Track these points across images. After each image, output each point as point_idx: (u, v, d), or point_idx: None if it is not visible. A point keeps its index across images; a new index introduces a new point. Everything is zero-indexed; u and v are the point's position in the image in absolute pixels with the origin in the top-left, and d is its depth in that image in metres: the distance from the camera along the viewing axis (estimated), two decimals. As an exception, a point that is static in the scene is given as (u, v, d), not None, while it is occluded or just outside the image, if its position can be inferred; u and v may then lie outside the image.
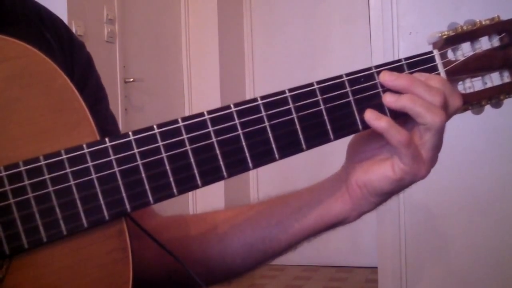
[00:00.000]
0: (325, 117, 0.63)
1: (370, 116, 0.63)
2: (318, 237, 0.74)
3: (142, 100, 3.16)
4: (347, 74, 0.65)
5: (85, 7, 2.59)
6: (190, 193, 3.56)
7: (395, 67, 0.66)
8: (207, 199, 3.49)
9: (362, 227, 3.62)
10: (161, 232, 0.74)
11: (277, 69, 3.93)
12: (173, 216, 0.80)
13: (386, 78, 0.64)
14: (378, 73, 0.65)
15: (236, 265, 0.75)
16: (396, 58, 0.68)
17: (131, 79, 2.98)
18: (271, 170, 3.86)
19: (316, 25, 3.88)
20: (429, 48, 0.68)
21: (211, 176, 0.60)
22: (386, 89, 0.65)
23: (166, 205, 0.67)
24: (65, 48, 0.74)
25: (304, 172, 3.80)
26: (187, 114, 3.72)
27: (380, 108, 0.64)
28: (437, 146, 0.64)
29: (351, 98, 0.64)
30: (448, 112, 0.64)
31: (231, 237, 0.74)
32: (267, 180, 3.94)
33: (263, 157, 0.61)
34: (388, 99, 0.64)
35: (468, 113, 0.71)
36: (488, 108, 0.71)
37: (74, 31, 2.44)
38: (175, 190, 0.59)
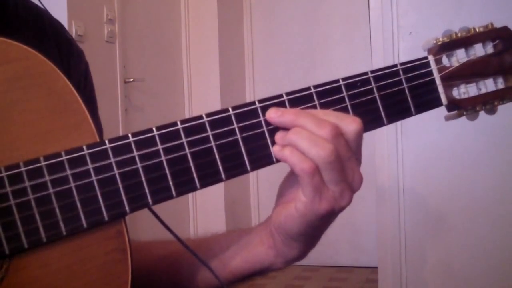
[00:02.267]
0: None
1: (276, 148, 0.61)
2: (247, 281, 0.71)
3: (142, 100, 3.16)
4: (344, 79, 0.65)
5: (85, 7, 2.59)
6: (190, 193, 3.56)
7: (391, 72, 0.66)
8: (207, 199, 3.50)
9: (362, 227, 3.62)
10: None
11: (277, 69, 3.94)
12: (142, 241, 0.78)
13: (271, 115, 0.61)
14: (375, 78, 0.65)
15: None
16: (396, 58, 0.68)
17: (131, 79, 2.98)
18: (271, 171, 3.85)
19: (316, 25, 3.88)
20: (424, 54, 0.69)
21: (209, 178, 0.60)
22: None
23: (166, 205, 0.67)
24: (63, 57, 0.75)
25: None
26: (187, 114, 3.74)
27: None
28: (338, 180, 0.59)
29: (348, 103, 0.64)
30: (337, 148, 0.59)
31: (159, 272, 0.73)
32: (267, 181, 3.95)
33: (260, 160, 0.62)
34: (276, 143, 0.61)
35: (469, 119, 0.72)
36: (489, 115, 0.72)
37: (74, 31, 2.45)
38: (174, 192, 0.59)
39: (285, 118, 0.60)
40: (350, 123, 0.60)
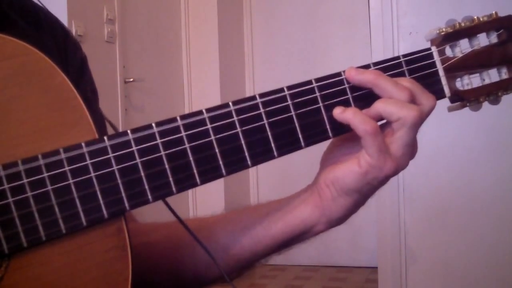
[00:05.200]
0: (324, 115, 0.63)
1: (337, 111, 0.63)
2: (287, 248, 0.72)
3: (142, 100, 3.16)
4: (344, 72, 0.65)
5: (85, 7, 2.59)
6: (189, 193, 3.56)
7: (393, 64, 0.66)
8: (207, 199, 3.49)
9: (362, 227, 3.62)
10: (135, 236, 0.74)
11: (277, 69, 3.94)
12: (148, 223, 0.79)
13: (352, 73, 0.64)
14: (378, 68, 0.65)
15: (203, 273, 0.73)
16: (396, 59, 0.68)
17: (131, 79, 2.98)
18: (271, 170, 3.86)
19: (316, 25, 3.88)
20: (427, 45, 0.68)
21: (209, 174, 0.60)
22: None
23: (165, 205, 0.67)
24: (60, 48, 0.74)
25: (304, 171, 3.79)
26: (187, 114, 3.75)
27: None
28: (409, 144, 0.63)
29: (349, 95, 0.64)
30: (422, 111, 0.63)
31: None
32: (267, 180, 3.95)
33: (261, 155, 0.62)
34: (364, 110, 0.64)
35: (468, 110, 0.71)
36: (488, 106, 0.71)
37: (74, 31, 2.44)
38: (173, 188, 0.59)
39: (366, 76, 0.64)
40: (429, 97, 0.64)
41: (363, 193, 0.65)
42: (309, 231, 0.69)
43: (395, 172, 0.63)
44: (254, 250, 0.71)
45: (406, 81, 0.64)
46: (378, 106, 0.63)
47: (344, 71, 0.65)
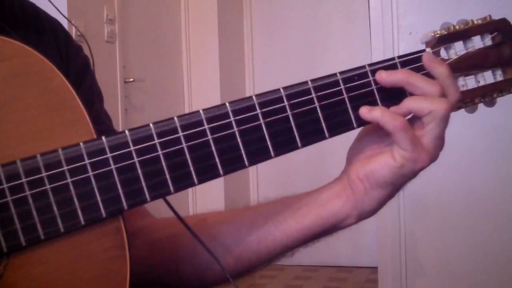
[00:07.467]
0: (320, 115, 0.64)
1: (364, 110, 0.65)
2: (316, 241, 0.73)
3: (142, 100, 3.16)
4: (341, 73, 0.65)
5: (85, 7, 2.59)
6: (190, 193, 3.56)
7: (389, 65, 0.67)
8: (207, 199, 3.49)
9: (362, 227, 3.61)
10: (151, 231, 0.74)
11: (277, 69, 3.94)
12: (165, 217, 0.80)
13: (383, 76, 0.65)
14: (372, 71, 0.66)
15: (228, 266, 0.73)
16: (396, 59, 0.68)
17: (131, 79, 2.98)
18: (271, 170, 3.86)
19: (316, 25, 3.88)
20: (423, 47, 0.69)
21: (207, 173, 0.60)
22: (379, 87, 0.66)
23: (166, 206, 0.67)
24: (61, 51, 0.75)
25: (305, 172, 3.80)
26: (186, 114, 3.74)
27: (373, 105, 0.66)
28: (439, 136, 0.65)
29: (345, 95, 0.65)
30: (451, 103, 0.65)
31: (223, 236, 0.73)
32: (267, 180, 3.95)
33: (258, 155, 0.62)
34: (392, 107, 0.65)
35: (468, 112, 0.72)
36: (488, 107, 0.72)
37: (74, 31, 2.45)
38: (171, 188, 0.59)
39: (398, 77, 0.65)
40: (456, 89, 0.66)
41: (396, 185, 0.67)
42: (340, 223, 0.70)
43: (428, 164, 0.65)
44: (285, 243, 0.71)
45: (440, 70, 0.66)
46: (408, 104, 0.65)
47: (367, 65, 0.66)
